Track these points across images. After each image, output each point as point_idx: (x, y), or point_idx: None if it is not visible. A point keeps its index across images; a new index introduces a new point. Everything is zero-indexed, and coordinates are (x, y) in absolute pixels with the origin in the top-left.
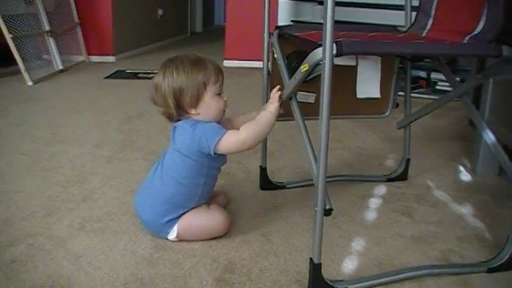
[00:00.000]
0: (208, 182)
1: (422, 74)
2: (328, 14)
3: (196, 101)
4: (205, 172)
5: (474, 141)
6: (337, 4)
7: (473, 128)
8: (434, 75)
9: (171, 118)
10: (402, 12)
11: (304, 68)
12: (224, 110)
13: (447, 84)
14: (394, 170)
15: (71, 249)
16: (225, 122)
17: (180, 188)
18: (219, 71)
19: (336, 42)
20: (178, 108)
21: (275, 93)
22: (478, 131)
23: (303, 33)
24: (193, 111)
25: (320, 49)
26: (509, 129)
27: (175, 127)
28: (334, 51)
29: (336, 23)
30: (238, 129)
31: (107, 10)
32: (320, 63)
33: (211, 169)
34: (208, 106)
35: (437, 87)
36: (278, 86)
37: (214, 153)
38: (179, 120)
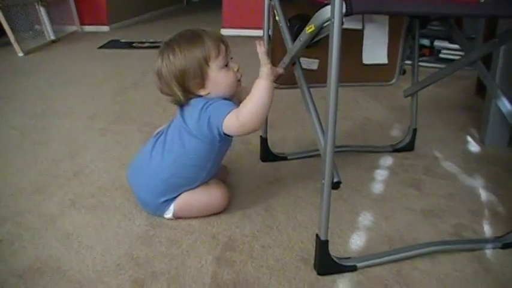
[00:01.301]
0: (213, 166)
1: (426, 41)
2: None
3: (202, 80)
4: (213, 156)
5: (482, 111)
6: None
7: (480, 98)
8: (437, 43)
9: (181, 104)
10: None
11: (309, 28)
12: (239, 80)
13: (451, 52)
14: (400, 140)
15: (61, 228)
16: (239, 94)
17: (183, 170)
18: (220, 42)
19: (345, 0)
20: (185, 93)
21: (260, 49)
22: (488, 100)
23: None
24: (202, 92)
25: (328, 7)
26: None
27: (182, 106)
28: (344, 10)
29: None
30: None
31: None
32: (326, 25)
33: (220, 153)
34: (216, 82)
35: (441, 55)
36: (260, 40)
37: (224, 134)
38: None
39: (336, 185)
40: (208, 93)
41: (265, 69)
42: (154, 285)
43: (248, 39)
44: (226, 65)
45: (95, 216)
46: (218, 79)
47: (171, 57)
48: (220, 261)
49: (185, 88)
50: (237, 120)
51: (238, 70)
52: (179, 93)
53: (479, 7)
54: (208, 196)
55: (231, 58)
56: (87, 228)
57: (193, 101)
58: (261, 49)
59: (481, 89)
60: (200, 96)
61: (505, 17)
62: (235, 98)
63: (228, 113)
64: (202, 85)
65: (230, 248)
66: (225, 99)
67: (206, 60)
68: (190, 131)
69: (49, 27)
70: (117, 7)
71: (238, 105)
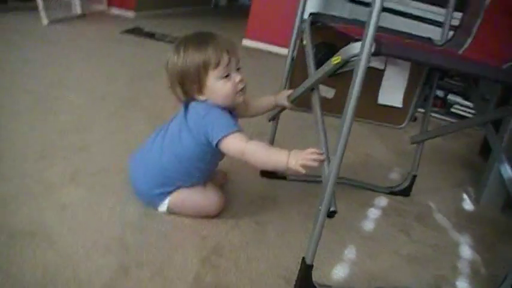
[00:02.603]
0: (208, 168)
1: (440, 93)
2: (375, 10)
3: (199, 86)
4: (208, 159)
5: (481, 171)
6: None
7: (482, 158)
8: (451, 97)
9: (179, 100)
10: (435, 28)
11: (336, 60)
12: (241, 90)
13: (463, 108)
14: (398, 184)
15: (58, 199)
16: (241, 106)
17: (179, 166)
18: (224, 52)
19: (375, 41)
20: (185, 94)
21: (310, 155)
22: (491, 162)
23: (338, 25)
24: (200, 97)
25: (358, 44)
26: None
27: (187, 106)
28: (373, 49)
29: None
30: (252, 111)
31: None
32: (352, 60)
33: (214, 158)
34: (213, 91)
35: (452, 109)
36: (318, 151)
37: (216, 146)
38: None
39: (331, 214)
40: (206, 99)
41: (299, 167)
42: (139, 273)
43: (267, 54)
44: (227, 76)
45: (92, 195)
46: (215, 88)
47: (175, 57)
48: (205, 263)
49: (185, 89)
50: (242, 147)
51: (240, 81)
52: (180, 93)
53: (501, 72)
54: (203, 198)
55: (238, 69)
56: (83, 204)
57: (195, 104)
58: (315, 158)
59: (485, 149)
60: (198, 99)
61: None
62: (238, 108)
63: (231, 132)
64: (200, 91)
65: (217, 253)
66: (226, 108)
67: (205, 68)
68: (190, 131)
69: (77, 2)
70: None
71: (242, 116)
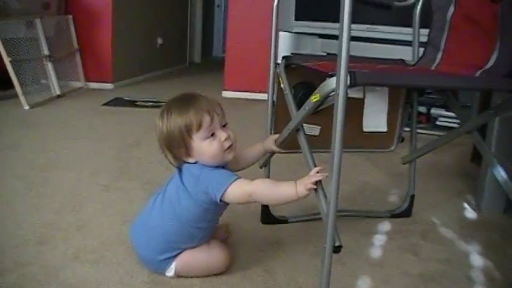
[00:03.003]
0: (210, 226)
1: (422, 109)
2: (344, 43)
3: (186, 149)
4: (209, 217)
5: (478, 178)
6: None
7: (475, 165)
8: (434, 111)
9: (176, 167)
10: (406, 48)
11: (314, 98)
12: (229, 147)
13: (448, 120)
14: (398, 206)
15: (64, 281)
16: (231, 161)
17: (181, 229)
18: (205, 113)
19: (349, 72)
20: (175, 158)
21: (314, 177)
22: (484, 168)
23: (311, 64)
24: (190, 160)
25: (333, 79)
26: None
27: (181, 169)
28: (348, 82)
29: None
30: (242, 164)
31: (107, 37)
32: (330, 95)
33: (216, 214)
34: (200, 152)
35: (438, 122)
36: (319, 168)
37: (221, 201)
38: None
39: (337, 249)
40: (196, 161)
41: (304, 191)
42: None
43: (248, 102)
44: (212, 134)
45: (97, 271)
46: (202, 150)
47: (161, 123)
48: None
49: (173, 154)
50: (245, 189)
51: (227, 139)
52: (170, 157)
53: (475, 81)
54: (209, 257)
55: (225, 125)
56: (90, 282)
57: (187, 165)
58: (317, 175)
59: (476, 156)
60: (188, 162)
61: (498, 90)
62: (229, 164)
63: (231, 182)
64: (188, 154)
65: None
66: (220, 166)
67: (188, 131)
68: (188, 193)
69: (55, 82)
70: (122, 65)
71: (234, 170)
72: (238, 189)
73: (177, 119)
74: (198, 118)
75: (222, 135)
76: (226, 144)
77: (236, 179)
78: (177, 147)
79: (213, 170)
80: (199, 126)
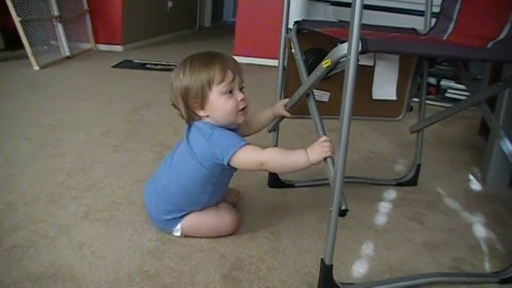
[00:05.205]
0: (216, 189)
1: (432, 80)
2: (357, 9)
3: (201, 101)
4: (214, 180)
5: (484, 151)
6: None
7: (483, 138)
8: (444, 83)
9: (186, 121)
10: (418, 17)
11: (326, 63)
12: (243, 109)
13: (457, 92)
14: (404, 175)
15: (74, 238)
16: (242, 125)
17: (185, 190)
18: (229, 69)
19: (361, 39)
20: (187, 110)
21: (326, 144)
22: (491, 140)
23: (323, 29)
24: (201, 113)
25: (345, 45)
26: None
27: (190, 126)
28: (360, 48)
29: None
30: (252, 128)
31: None
32: (341, 60)
33: (221, 178)
34: (215, 107)
35: (447, 94)
36: (326, 138)
37: (228, 165)
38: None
39: (343, 213)
40: (207, 115)
41: (317, 158)
42: None
43: (258, 68)
44: (230, 92)
45: (107, 229)
46: (217, 104)
47: (181, 74)
48: (227, 280)
49: (187, 105)
50: (258, 157)
51: (242, 100)
52: (182, 109)
53: (486, 52)
54: (216, 220)
55: (242, 88)
56: (99, 239)
57: (198, 124)
58: (328, 144)
59: (484, 129)
60: (199, 117)
61: (510, 62)
62: (240, 128)
63: (241, 146)
64: (202, 106)
65: (237, 267)
66: (230, 128)
67: (209, 84)
68: (194, 156)
69: (65, 44)
70: (131, 28)
71: (244, 135)
72: (250, 156)
73: (200, 69)
74: (222, 71)
75: (239, 95)
76: (241, 105)
77: (246, 145)
78: (193, 97)
79: (225, 131)
80: (222, 80)
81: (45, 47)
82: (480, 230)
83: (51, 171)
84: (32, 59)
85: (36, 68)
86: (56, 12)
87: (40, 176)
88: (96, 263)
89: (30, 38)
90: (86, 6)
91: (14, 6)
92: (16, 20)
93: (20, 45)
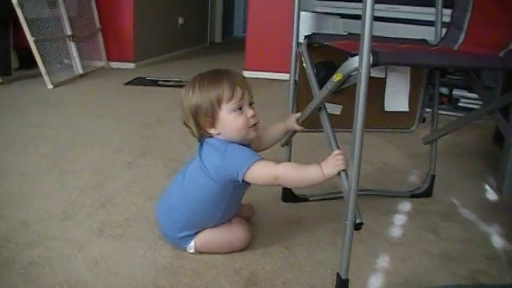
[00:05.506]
0: (229, 206)
1: (444, 90)
2: (367, 22)
3: (212, 119)
4: (227, 197)
5: (499, 160)
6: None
7: (497, 147)
8: (456, 92)
9: (198, 139)
10: (428, 28)
11: (337, 77)
12: (254, 125)
13: (470, 101)
14: (418, 186)
15: (89, 254)
16: (254, 141)
17: (198, 207)
18: (237, 86)
19: (372, 52)
20: (198, 128)
21: (340, 158)
22: (506, 149)
23: (334, 43)
24: (212, 131)
25: (356, 58)
26: None
27: (202, 142)
28: (371, 61)
29: None
30: (265, 143)
31: (129, 16)
32: (352, 74)
33: (235, 194)
34: (225, 124)
35: (460, 104)
36: (339, 151)
37: (243, 181)
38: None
39: (358, 226)
40: (219, 133)
41: (331, 171)
42: None
43: (269, 82)
44: (240, 108)
45: (121, 245)
46: (227, 121)
47: (190, 93)
48: None
49: (198, 123)
50: (273, 172)
51: (253, 116)
52: (193, 128)
53: (498, 61)
54: (229, 235)
55: (251, 104)
56: (114, 256)
57: (211, 140)
58: (342, 158)
59: (498, 138)
60: (211, 135)
61: None
62: (254, 143)
63: (255, 161)
64: (213, 124)
65: (252, 283)
66: (243, 144)
67: (218, 102)
68: (207, 172)
69: (78, 62)
70: (143, 45)
71: (257, 150)
72: (264, 171)
73: (209, 87)
74: (231, 89)
75: (249, 111)
76: (252, 121)
77: (260, 160)
78: (204, 115)
79: (238, 147)
80: (231, 97)
81: (59, 66)
82: (497, 241)
83: (65, 188)
84: (46, 78)
85: (50, 86)
86: (68, 32)
87: (54, 193)
88: (110, 280)
89: (44, 57)
90: (98, 25)
91: (28, 26)
92: (30, 39)
93: (34, 64)
